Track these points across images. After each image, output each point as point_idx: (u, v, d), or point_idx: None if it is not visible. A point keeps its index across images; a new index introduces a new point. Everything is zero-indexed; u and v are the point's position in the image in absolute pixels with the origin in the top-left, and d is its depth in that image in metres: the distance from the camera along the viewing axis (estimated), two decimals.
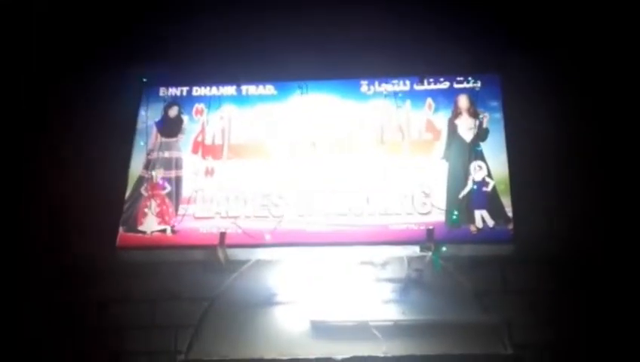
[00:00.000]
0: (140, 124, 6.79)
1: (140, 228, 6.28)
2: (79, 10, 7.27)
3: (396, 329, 5.74)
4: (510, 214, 5.95)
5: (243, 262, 6.15)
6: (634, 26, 6.64)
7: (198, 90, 6.94)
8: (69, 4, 7.25)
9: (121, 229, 6.26)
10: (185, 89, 6.96)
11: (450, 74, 6.69)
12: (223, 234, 6.12)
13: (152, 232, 6.26)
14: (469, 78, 6.65)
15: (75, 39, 7.28)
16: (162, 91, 6.96)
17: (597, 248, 5.88)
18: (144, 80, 6.97)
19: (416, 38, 6.85)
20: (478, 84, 6.62)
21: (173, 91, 6.96)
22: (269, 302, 5.99)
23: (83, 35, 7.29)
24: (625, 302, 5.65)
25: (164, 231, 6.27)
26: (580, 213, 6.01)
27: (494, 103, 6.50)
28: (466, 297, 5.87)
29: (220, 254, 6.08)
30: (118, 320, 6.00)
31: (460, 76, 6.67)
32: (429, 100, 6.61)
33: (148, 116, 6.84)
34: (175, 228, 6.26)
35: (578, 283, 5.77)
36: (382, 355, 5.66)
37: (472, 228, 5.97)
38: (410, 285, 5.91)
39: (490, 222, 5.96)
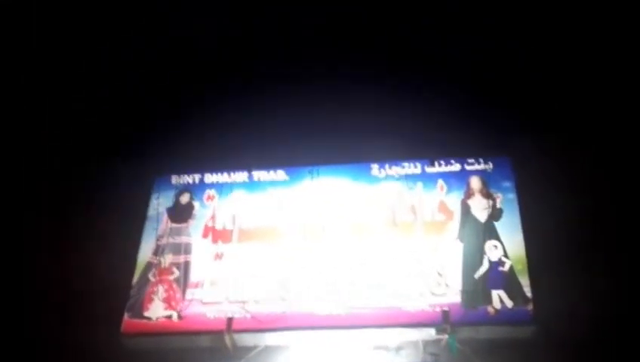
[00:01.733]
0: (151, 211, 6.79)
1: (146, 314, 6.12)
2: (90, 97, 7.45)
3: None
4: (529, 294, 5.71)
5: (251, 348, 5.89)
6: None
7: (209, 177, 6.96)
8: (80, 91, 7.44)
9: (126, 315, 6.10)
10: (197, 176, 6.99)
11: (460, 156, 6.66)
12: (230, 319, 5.93)
13: (158, 318, 6.09)
14: (480, 160, 6.60)
15: (86, 128, 7.42)
16: (174, 179, 7.00)
17: (621, 329, 5.56)
18: (157, 170, 7.00)
19: (426, 123, 6.86)
20: (490, 166, 6.56)
21: (186, 179, 6.99)
22: None
23: (95, 122, 7.43)
24: None
25: (170, 316, 6.09)
26: (602, 291, 5.71)
27: (507, 184, 6.41)
28: None
29: (227, 340, 5.85)
30: None
31: (470, 158, 6.63)
32: (441, 182, 6.54)
33: (159, 203, 6.83)
34: (182, 314, 6.08)
35: None
36: None
37: (490, 309, 5.72)
38: None
39: (509, 303, 5.71)
